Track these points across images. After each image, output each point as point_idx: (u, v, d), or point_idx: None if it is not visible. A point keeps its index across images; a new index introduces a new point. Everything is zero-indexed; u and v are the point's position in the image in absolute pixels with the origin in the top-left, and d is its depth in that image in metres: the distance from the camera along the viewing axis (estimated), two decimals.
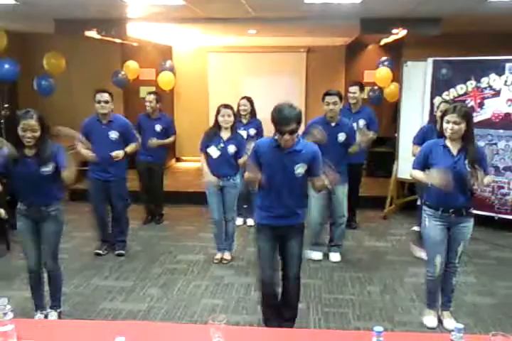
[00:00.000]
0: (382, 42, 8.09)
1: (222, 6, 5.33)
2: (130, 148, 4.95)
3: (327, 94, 4.66)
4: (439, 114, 4.49)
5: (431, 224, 3.50)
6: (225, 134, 4.68)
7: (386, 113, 8.06)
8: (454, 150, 3.39)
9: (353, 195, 5.33)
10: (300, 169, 3.18)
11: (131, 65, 8.58)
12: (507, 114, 5.43)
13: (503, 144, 5.51)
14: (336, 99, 4.59)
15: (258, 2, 5.15)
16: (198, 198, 6.54)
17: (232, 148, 4.68)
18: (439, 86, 5.76)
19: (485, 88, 5.49)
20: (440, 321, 3.66)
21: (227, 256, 4.95)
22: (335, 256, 4.95)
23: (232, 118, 4.66)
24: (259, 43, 8.87)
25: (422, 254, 4.86)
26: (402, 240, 5.59)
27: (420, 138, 4.75)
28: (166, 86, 8.78)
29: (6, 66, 6.19)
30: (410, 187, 6.37)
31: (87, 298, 4.14)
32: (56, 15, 6.10)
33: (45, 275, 3.75)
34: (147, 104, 5.80)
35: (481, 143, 5.43)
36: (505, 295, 4.17)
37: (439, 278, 3.59)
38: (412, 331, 3.50)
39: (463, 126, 3.31)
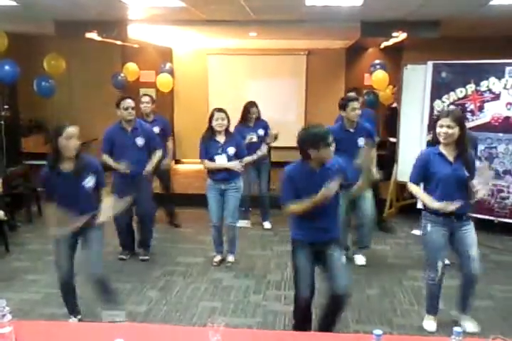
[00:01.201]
0: (382, 46, 8.11)
1: (223, 8, 5.34)
2: (156, 158, 4.93)
3: (351, 100, 4.65)
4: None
5: (432, 230, 3.49)
6: (221, 138, 4.68)
7: (382, 116, 8.06)
8: (450, 157, 3.39)
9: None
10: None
11: (131, 66, 8.60)
12: (506, 118, 5.43)
13: (503, 147, 5.51)
14: (358, 104, 4.65)
15: (259, 4, 5.16)
16: (197, 200, 6.54)
17: (231, 150, 4.68)
18: (438, 89, 5.76)
19: (484, 91, 5.49)
20: (456, 324, 3.60)
21: (231, 258, 4.93)
22: (361, 259, 4.95)
23: (225, 122, 4.66)
24: (259, 46, 8.88)
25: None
26: (401, 243, 5.59)
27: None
28: (165, 88, 8.80)
29: (6, 67, 6.19)
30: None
31: (86, 300, 4.12)
32: (57, 16, 6.11)
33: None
34: (143, 105, 5.71)
35: (480, 147, 5.45)
36: (504, 298, 4.17)
37: (439, 283, 3.58)
38: (411, 334, 3.50)
39: (456, 130, 3.31)
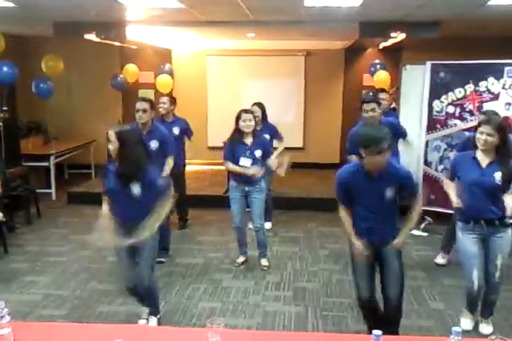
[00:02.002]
0: (381, 46, 8.11)
1: (221, 9, 5.34)
2: (169, 166, 4.72)
3: (363, 102, 4.64)
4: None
5: (464, 237, 3.44)
6: (248, 139, 4.60)
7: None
8: (484, 162, 3.34)
9: None
10: (389, 192, 3.02)
11: (131, 68, 8.60)
12: (505, 118, 5.43)
13: None
14: (373, 105, 4.59)
15: (257, 5, 5.16)
16: (197, 202, 6.55)
17: (258, 153, 4.61)
18: (437, 89, 5.76)
19: (483, 92, 5.49)
20: (476, 324, 3.65)
21: (264, 262, 4.88)
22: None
23: (253, 123, 4.58)
24: (257, 47, 8.88)
25: (442, 261, 4.89)
26: None
27: (461, 149, 4.34)
28: (164, 89, 8.79)
29: (5, 69, 6.18)
30: None
31: (85, 301, 4.12)
32: (55, 18, 6.11)
33: None
34: (160, 105, 5.52)
35: None
36: (505, 298, 4.16)
37: (479, 292, 3.48)
38: (411, 334, 3.48)
39: (496, 138, 3.26)
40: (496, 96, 5.43)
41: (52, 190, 7.50)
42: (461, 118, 5.62)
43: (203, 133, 8.79)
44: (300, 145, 9.26)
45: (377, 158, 2.84)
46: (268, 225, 6.05)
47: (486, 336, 2.00)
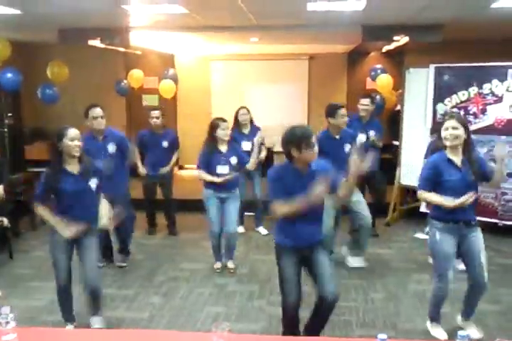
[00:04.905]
0: (384, 50, 8.12)
1: (225, 14, 5.37)
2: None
3: (340, 107, 4.66)
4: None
5: (441, 238, 3.42)
6: (223, 147, 4.68)
7: (385, 120, 8.06)
8: (458, 162, 3.35)
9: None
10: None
11: (136, 73, 8.62)
12: (509, 120, 5.42)
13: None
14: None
15: (260, 10, 5.18)
16: (201, 206, 6.53)
17: (234, 160, 4.68)
18: (441, 92, 5.76)
19: (487, 94, 5.48)
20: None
21: (231, 265, 4.92)
22: (359, 261, 4.96)
23: (229, 132, 4.72)
24: (261, 51, 8.91)
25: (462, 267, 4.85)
26: (405, 247, 5.57)
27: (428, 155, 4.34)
28: (167, 94, 8.81)
29: (9, 75, 6.22)
30: (415, 193, 6.32)
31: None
32: (60, 24, 6.15)
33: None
34: (154, 120, 5.70)
35: (483, 150, 5.42)
36: (510, 301, 4.15)
37: (447, 292, 3.50)
38: (416, 338, 3.48)
39: (462, 131, 3.28)
40: (499, 99, 5.43)
41: None
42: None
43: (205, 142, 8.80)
44: None
45: (313, 150, 3.01)
46: (263, 231, 6.12)
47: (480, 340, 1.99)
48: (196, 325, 3.81)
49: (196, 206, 6.45)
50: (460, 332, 2.03)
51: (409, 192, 6.58)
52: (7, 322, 2.09)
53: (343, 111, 4.60)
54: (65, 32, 6.36)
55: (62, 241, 3.52)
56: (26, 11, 5.07)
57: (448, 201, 3.32)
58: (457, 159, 3.35)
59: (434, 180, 3.38)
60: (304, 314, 3.34)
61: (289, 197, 3.01)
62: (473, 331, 3.52)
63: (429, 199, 3.44)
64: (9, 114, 7.01)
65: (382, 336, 2.03)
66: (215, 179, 4.63)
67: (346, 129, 4.80)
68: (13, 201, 5.77)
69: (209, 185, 4.73)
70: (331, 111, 4.63)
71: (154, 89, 8.96)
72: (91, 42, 6.50)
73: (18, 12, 5.07)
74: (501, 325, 3.75)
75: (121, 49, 7.69)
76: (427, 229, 5.83)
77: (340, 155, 4.29)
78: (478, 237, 3.44)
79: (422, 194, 3.45)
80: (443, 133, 3.34)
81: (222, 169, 4.64)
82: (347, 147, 4.63)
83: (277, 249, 3.29)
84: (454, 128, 3.28)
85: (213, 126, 4.63)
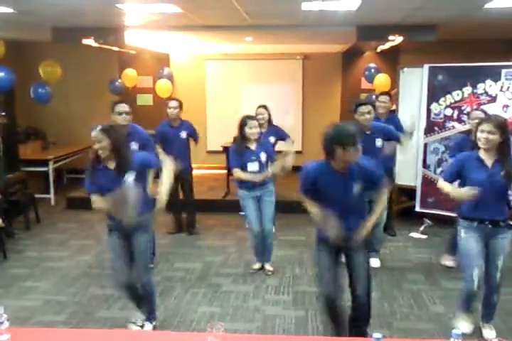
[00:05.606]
0: (378, 49, 8.13)
1: (219, 13, 5.36)
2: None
3: (360, 104, 4.58)
4: (471, 122, 4.41)
5: (466, 236, 3.41)
6: (252, 145, 4.59)
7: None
8: (489, 162, 3.32)
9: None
10: (356, 188, 3.06)
11: (130, 72, 8.61)
12: None
13: None
14: (370, 108, 4.56)
15: (255, 9, 5.18)
16: (201, 206, 6.49)
17: (263, 156, 4.60)
18: (435, 92, 5.78)
19: (481, 94, 5.50)
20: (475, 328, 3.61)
21: (269, 267, 4.84)
22: (375, 262, 4.91)
23: (259, 129, 4.60)
24: (255, 51, 8.91)
25: (450, 263, 4.86)
26: (400, 246, 5.58)
27: (458, 151, 4.23)
28: (164, 93, 8.81)
29: (1, 74, 6.18)
30: (410, 193, 6.33)
31: (84, 307, 4.11)
32: (53, 23, 6.12)
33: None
34: (171, 110, 5.57)
35: None
36: (504, 300, 4.15)
37: (478, 292, 3.45)
38: (411, 337, 3.49)
39: (497, 136, 3.24)
40: (493, 99, 5.44)
41: (51, 195, 7.50)
42: (459, 120, 5.63)
43: (201, 137, 8.74)
44: (299, 148, 9.26)
45: (353, 150, 2.92)
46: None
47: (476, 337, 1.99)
48: (191, 325, 3.80)
49: (196, 206, 6.46)
50: (454, 331, 2.04)
51: (404, 192, 6.59)
52: (1, 323, 2.09)
53: (362, 108, 4.53)
54: (59, 31, 6.33)
55: (118, 242, 3.52)
56: (19, 10, 5.04)
57: (461, 192, 3.33)
58: (489, 159, 3.33)
59: (456, 173, 3.42)
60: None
61: (321, 196, 3.05)
62: (489, 332, 3.53)
63: (442, 187, 3.48)
64: (2, 113, 6.95)
65: (377, 335, 2.04)
66: (255, 178, 4.51)
67: (377, 124, 4.74)
68: (7, 201, 5.75)
69: (242, 184, 4.65)
70: (354, 107, 4.61)
71: (149, 89, 8.95)
72: (85, 42, 6.47)
73: (11, 10, 5.04)
74: (495, 323, 3.70)
75: (116, 48, 7.66)
76: (422, 228, 5.91)
77: (371, 150, 4.23)
78: (504, 239, 3.39)
79: (441, 183, 3.50)
80: (478, 134, 3.31)
81: (252, 166, 4.56)
82: (378, 142, 4.60)
83: (317, 242, 3.29)
84: (489, 132, 3.24)
85: (241, 124, 4.54)
